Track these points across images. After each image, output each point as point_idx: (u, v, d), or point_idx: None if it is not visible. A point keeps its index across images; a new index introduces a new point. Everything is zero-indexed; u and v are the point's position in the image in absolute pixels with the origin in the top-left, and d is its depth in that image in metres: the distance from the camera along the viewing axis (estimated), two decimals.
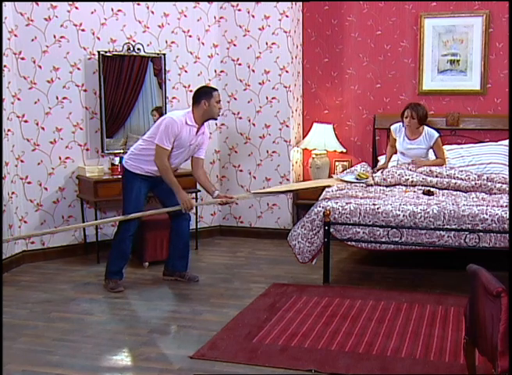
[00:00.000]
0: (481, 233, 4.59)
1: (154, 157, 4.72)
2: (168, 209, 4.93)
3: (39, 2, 5.44)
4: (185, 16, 6.23)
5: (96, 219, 5.70)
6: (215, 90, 4.86)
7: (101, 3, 5.75)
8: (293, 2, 6.33)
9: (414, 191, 5.32)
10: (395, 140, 5.85)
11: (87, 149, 5.87)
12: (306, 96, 6.76)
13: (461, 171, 5.55)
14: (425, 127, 5.76)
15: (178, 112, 4.86)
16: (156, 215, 5.07)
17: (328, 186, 5.48)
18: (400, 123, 5.79)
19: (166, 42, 6.15)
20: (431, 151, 5.82)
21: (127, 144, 5.93)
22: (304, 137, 6.67)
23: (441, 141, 5.80)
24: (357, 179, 5.51)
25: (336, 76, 6.64)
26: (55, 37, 5.57)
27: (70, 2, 5.59)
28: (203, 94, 4.78)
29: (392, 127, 5.88)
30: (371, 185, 5.52)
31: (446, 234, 4.68)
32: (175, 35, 6.20)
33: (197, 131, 4.81)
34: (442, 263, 5.40)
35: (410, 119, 5.65)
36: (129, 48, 5.85)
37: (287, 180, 6.47)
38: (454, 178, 5.43)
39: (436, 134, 5.73)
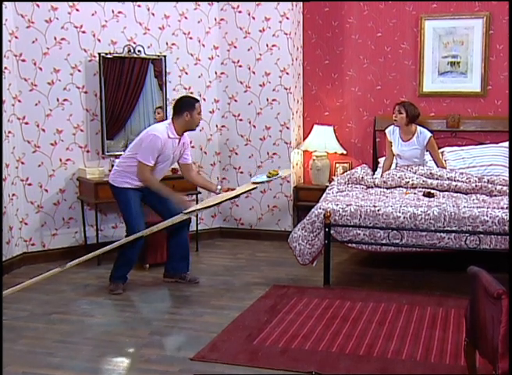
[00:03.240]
0: (482, 235, 4.59)
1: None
2: (172, 220, 4.76)
3: (39, 3, 5.45)
4: (185, 17, 6.24)
5: (96, 221, 5.69)
6: (197, 101, 4.84)
7: (102, 4, 5.76)
8: (294, 3, 6.34)
9: (415, 193, 5.31)
10: (391, 143, 5.83)
11: (88, 151, 5.87)
12: (306, 98, 6.76)
13: (462, 174, 5.54)
14: (418, 127, 5.74)
15: (159, 127, 4.80)
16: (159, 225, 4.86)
17: (250, 190, 5.24)
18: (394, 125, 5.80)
19: (167, 44, 6.15)
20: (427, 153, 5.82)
21: (128, 145, 5.91)
22: (304, 139, 6.67)
23: (435, 142, 5.78)
24: (268, 177, 5.26)
25: (337, 78, 6.64)
26: (55, 38, 5.57)
27: (71, 4, 5.60)
28: (185, 106, 4.74)
29: (386, 130, 5.87)
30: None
31: (446, 236, 4.68)
32: (175, 37, 6.20)
33: (179, 142, 4.81)
34: (442, 265, 5.40)
35: (397, 113, 5.65)
36: (129, 50, 5.85)
37: (287, 182, 6.47)
38: (455, 180, 5.43)
39: (429, 134, 5.71)
